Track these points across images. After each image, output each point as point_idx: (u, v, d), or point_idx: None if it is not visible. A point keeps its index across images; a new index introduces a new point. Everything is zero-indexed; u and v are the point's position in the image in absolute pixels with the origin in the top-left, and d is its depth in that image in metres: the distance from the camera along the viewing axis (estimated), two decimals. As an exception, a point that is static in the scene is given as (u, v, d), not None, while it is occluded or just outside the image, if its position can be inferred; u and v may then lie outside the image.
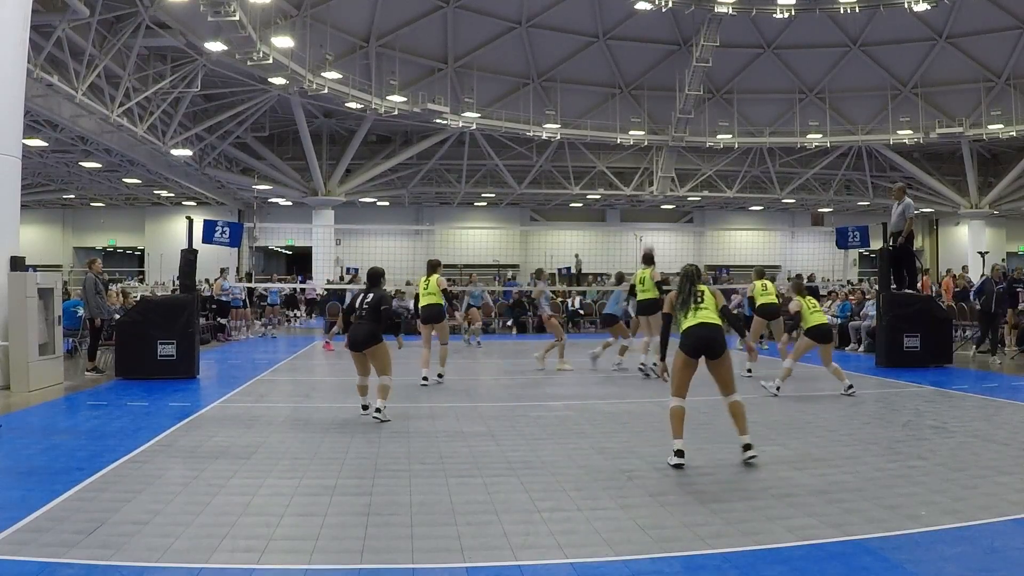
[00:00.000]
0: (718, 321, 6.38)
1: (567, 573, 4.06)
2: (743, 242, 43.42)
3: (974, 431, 7.63)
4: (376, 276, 8.63)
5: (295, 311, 29.52)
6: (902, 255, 13.95)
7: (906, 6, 29.18)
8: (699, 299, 6.39)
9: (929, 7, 29.26)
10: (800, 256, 33.40)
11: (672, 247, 33.86)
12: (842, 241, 15.84)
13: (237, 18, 20.32)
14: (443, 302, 11.49)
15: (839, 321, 17.87)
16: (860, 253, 35.91)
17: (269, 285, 26.70)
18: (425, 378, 11.01)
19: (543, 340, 14.87)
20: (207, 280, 23.75)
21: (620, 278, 14.40)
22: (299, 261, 42.87)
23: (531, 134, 33.68)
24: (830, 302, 19.70)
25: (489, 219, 42.44)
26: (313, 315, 29.96)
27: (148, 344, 11.62)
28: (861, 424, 8.16)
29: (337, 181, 34.56)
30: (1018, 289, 16.08)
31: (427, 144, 34.08)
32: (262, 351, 17.80)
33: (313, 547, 4.38)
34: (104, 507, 5.08)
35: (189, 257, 12.49)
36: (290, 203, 37.70)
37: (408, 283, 26.12)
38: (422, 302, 11.36)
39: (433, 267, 11.63)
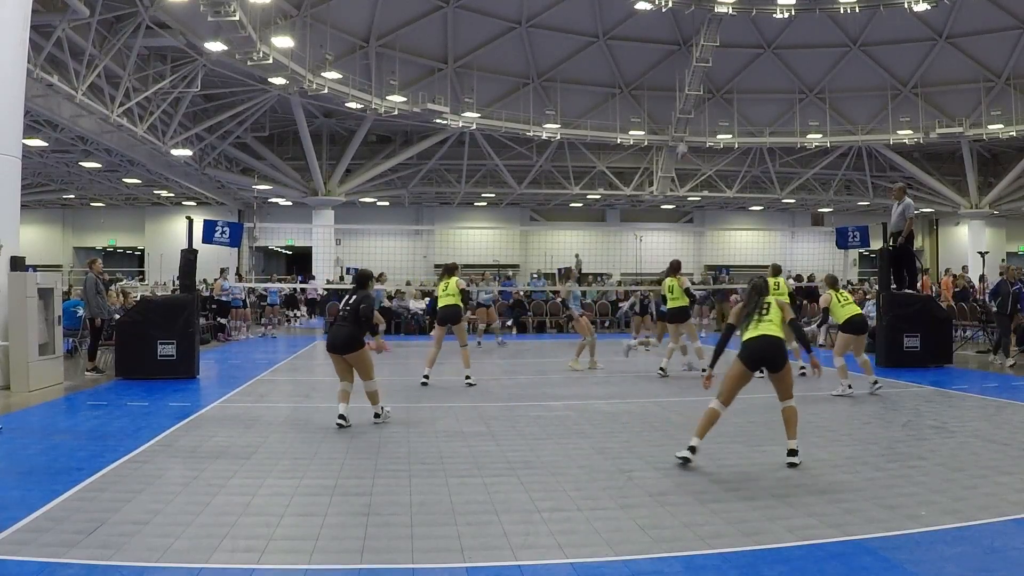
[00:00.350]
0: (780, 334, 6.34)
1: (567, 573, 4.07)
2: (743, 242, 43.37)
3: (974, 431, 7.63)
4: (364, 278, 8.39)
5: (295, 311, 29.50)
6: (902, 255, 13.95)
7: (906, 6, 29.14)
8: (765, 311, 6.38)
9: (929, 7, 29.22)
10: (800, 256, 33.41)
11: (672, 247, 34.00)
12: (842, 241, 15.86)
13: (237, 18, 20.31)
14: (461, 304, 11.60)
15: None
16: (860, 253, 35.92)
17: (268, 285, 26.68)
18: (426, 376, 11.05)
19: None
20: (205, 280, 23.73)
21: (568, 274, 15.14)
22: (299, 261, 42.83)
23: (531, 134, 33.65)
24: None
25: (489, 219, 42.39)
26: (313, 315, 29.97)
27: (148, 344, 11.63)
28: (861, 424, 8.16)
29: (337, 181, 34.52)
30: None
31: (427, 144, 34.04)
32: (262, 351, 17.79)
33: (313, 547, 4.39)
34: (104, 507, 5.08)
35: (189, 257, 12.50)
36: (290, 203, 37.65)
37: (408, 283, 26.15)
38: (441, 303, 11.46)
39: (451, 270, 11.76)
